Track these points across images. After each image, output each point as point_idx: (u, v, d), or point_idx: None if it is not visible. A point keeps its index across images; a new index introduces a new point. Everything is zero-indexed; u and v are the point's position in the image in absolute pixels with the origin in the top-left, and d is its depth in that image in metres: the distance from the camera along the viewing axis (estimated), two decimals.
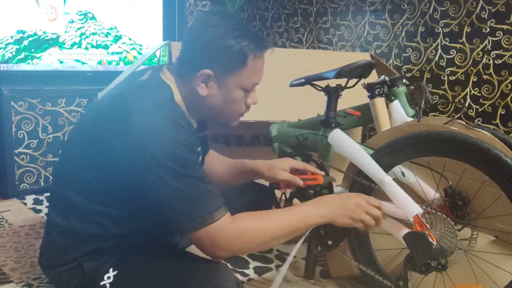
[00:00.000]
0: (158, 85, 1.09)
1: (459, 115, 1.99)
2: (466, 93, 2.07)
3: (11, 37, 2.11)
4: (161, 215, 0.99)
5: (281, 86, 1.61)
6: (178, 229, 1.01)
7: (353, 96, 1.42)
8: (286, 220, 1.05)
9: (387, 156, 1.21)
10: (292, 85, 1.46)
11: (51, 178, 2.14)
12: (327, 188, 1.31)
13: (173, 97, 1.08)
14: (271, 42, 1.14)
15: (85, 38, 2.34)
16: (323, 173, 1.26)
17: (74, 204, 1.08)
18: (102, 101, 1.13)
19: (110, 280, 1.07)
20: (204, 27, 1.06)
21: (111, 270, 1.08)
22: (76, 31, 2.31)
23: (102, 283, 1.07)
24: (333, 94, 1.37)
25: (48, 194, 2.06)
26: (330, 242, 1.18)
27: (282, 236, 1.04)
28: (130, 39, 2.51)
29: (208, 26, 1.05)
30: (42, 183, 2.17)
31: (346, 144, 1.24)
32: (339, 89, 1.37)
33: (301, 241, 1.10)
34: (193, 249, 1.40)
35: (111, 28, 2.43)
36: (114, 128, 1.00)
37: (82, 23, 2.32)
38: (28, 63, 2.18)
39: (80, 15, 2.31)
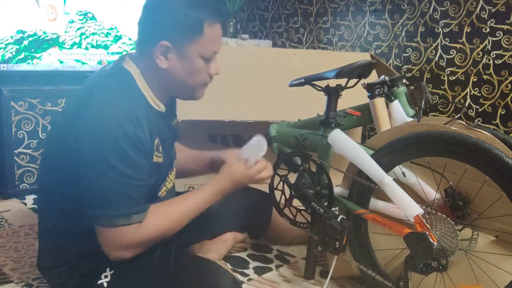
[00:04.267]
0: (118, 74, 1.08)
1: (459, 115, 1.98)
2: (466, 93, 2.07)
3: (11, 37, 2.11)
4: (84, 197, 0.99)
5: (281, 86, 1.61)
6: (92, 217, 1.00)
7: (353, 96, 1.41)
8: (188, 212, 1.11)
9: (387, 156, 1.21)
10: (291, 85, 1.46)
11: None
12: (327, 188, 1.31)
13: (134, 83, 1.07)
14: (227, 10, 1.15)
15: (85, 38, 2.34)
16: None
17: (58, 205, 1.09)
18: (74, 96, 1.14)
19: (108, 279, 1.07)
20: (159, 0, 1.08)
21: (108, 269, 1.09)
22: (76, 31, 2.31)
23: (99, 282, 1.07)
24: (333, 94, 1.37)
25: None
26: (337, 244, 1.18)
27: (182, 225, 1.11)
28: (130, 39, 2.50)
29: None
30: None
31: (346, 144, 1.24)
32: (339, 89, 1.36)
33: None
34: (193, 249, 1.40)
35: (111, 28, 2.43)
36: (70, 122, 1.02)
37: (82, 23, 2.32)
38: (28, 63, 2.18)
39: (80, 15, 2.31)
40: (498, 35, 1.94)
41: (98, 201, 0.99)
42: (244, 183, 1.22)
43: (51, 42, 2.23)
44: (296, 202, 1.40)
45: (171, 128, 1.23)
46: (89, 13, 2.34)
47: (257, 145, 1.24)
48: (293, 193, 1.38)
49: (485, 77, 2.00)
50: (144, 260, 1.09)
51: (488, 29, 1.97)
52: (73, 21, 2.29)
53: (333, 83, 1.36)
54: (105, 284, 1.07)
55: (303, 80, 1.41)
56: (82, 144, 0.97)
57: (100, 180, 0.97)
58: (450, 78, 2.12)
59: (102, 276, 1.08)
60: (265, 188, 1.51)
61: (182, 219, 1.10)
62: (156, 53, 1.06)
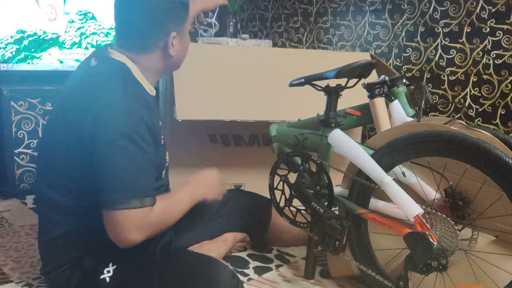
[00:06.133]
0: (115, 66, 1.12)
1: (459, 115, 1.98)
2: (466, 93, 2.07)
3: (11, 37, 2.11)
4: (99, 181, 1.01)
5: (281, 86, 1.61)
6: (106, 201, 1.02)
7: (353, 96, 1.41)
8: (182, 209, 1.16)
9: (387, 156, 1.21)
10: (291, 85, 1.46)
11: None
12: (327, 188, 1.31)
13: (131, 73, 1.13)
14: None
15: (85, 38, 2.34)
16: None
17: (58, 206, 1.10)
18: (66, 92, 1.16)
19: (110, 274, 1.08)
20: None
21: (110, 264, 1.10)
22: (76, 31, 2.31)
23: (102, 277, 1.08)
24: (333, 94, 1.37)
25: None
26: (337, 244, 1.18)
27: (177, 218, 1.15)
28: None
29: None
30: None
31: (346, 144, 1.24)
32: (339, 89, 1.36)
33: None
34: (193, 249, 1.40)
35: (111, 28, 2.43)
36: (84, 107, 1.04)
37: (82, 23, 2.32)
38: (28, 63, 2.18)
39: (80, 15, 2.31)
40: (498, 35, 1.94)
41: (114, 184, 1.01)
42: (211, 191, 1.27)
43: (51, 42, 2.23)
44: (296, 202, 1.40)
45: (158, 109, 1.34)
46: (89, 13, 2.34)
47: None
48: (293, 193, 1.39)
49: (485, 77, 2.00)
50: (145, 256, 1.10)
51: (488, 29, 1.97)
52: (73, 21, 2.29)
53: (333, 83, 1.36)
54: (108, 279, 1.08)
55: (303, 80, 1.41)
56: (101, 127, 1.00)
57: (118, 162, 1.01)
58: (450, 78, 2.12)
59: (105, 271, 1.09)
60: (265, 188, 1.51)
61: (180, 211, 1.16)
62: (169, 45, 1.13)
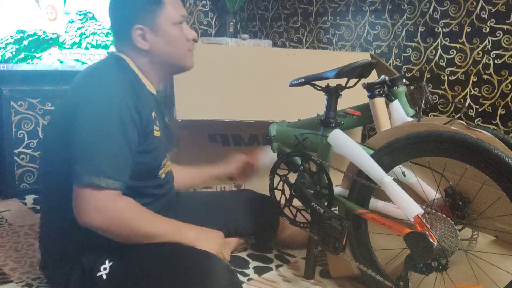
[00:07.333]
0: (113, 58, 1.16)
1: (459, 115, 1.99)
2: (466, 93, 2.07)
3: (11, 37, 2.11)
4: (72, 153, 1.02)
5: (281, 86, 1.61)
6: (72, 176, 1.02)
7: (353, 96, 1.41)
8: (154, 230, 1.09)
9: (387, 156, 1.21)
10: (291, 85, 1.46)
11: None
12: (327, 188, 1.31)
13: (128, 66, 1.15)
14: None
15: (85, 38, 2.34)
16: None
17: (61, 203, 1.10)
18: (68, 91, 1.19)
19: (106, 271, 1.08)
20: None
21: (107, 261, 1.10)
22: (76, 31, 2.30)
23: (98, 274, 1.08)
24: (333, 94, 1.37)
25: None
26: (337, 244, 1.18)
27: (138, 239, 1.08)
28: None
29: None
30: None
31: (346, 144, 1.25)
32: (339, 89, 1.36)
33: None
34: None
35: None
36: (71, 102, 1.08)
37: (82, 23, 2.32)
38: (28, 63, 2.18)
39: (80, 15, 2.31)
40: (498, 35, 1.94)
41: (84, 158, 1.02)
42: (205, 242, 1.15)
43: (51, 42, 2.23)
44: (296, 202, 1.40)
45: (163, 113, 1.31)
46: (89, 13, 2.34)
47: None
48: (293, 193, 1.38)
49: (485, 77, 2.00)
50: (141, 252, 1.10)
51: (488, 29, 1.97)
52: (73, 21, 2.29)
53: (333, 83, 1.36)
54: (104, 276, 1.08)
55: (303, 80, 1.41)
56: (81, 111, 1.03)
57: (91, 138, 1.02)
58: (450, 78, 2.12)
59: (101, 269, 1.09)
60: (265, 188, 1.51)
61: (150, 229, 1.09)
62: (135, 38, 1.14)
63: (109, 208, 1.02)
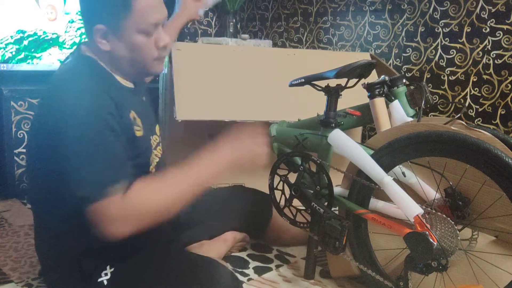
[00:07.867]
0: (80, 59, 1.12)
1: (459, 115, 1.98)
2: (466, 93, 2.07)
3: (11, 37, 2.11)
4: (68, 181, 0.97)
5: (281, 86, 1.61)
6: (83, 197, 0.96)
7: (353, 96, 1.41)
8: (182, 185, 1.02)
9: (387, 156, 1.21)
10: (291, 85, 1.46)
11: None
12: (327, 188, 1.31)
13: (97, 64, 1.11)
14: None
15: (85, 38, 2.34)
16: None
17: (53, 206, 1.08)
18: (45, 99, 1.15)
19: (108, 277, 1.07)
20: None
21: (108, 267, 1.09)
22: (76, 31, 2.30)
23: (99, 280, 1.07)
24: (333, 94, 1.37)
25: None
26: (337, 244, 1.18)
27: (180, 202, 1.02)
28: None
29: None
30: None
31: (346, 144, 1.24)
32: (339, 89, 1.36)
33: None
34: (192, 249, 1.40)
35: None
36: (47, 112, 1.04)
37: (82, 23, 2.32)
38: (28, 63, 2.18)
39: (80, 15, 2.31)
40: (498, 35, 1.94)
41: (77, 181, 0.97)
42: (245, 154, 1.14)
43: (51, 42, 2.23)
44: (296, 202, 1.40)
45: (144, 104, 1.25)
46: None
47: None
48: (293, 193, 1.38)
49: (485, 77, 2.00)
50: (143, 257, 1.09)
51: (488, 29, 1.97)
52: (73, 21, 2.29)
53: (333, 83, 1.36)
54: (105, 282, 1.07)
55: (303, 80, 1.41)
56: (65, 133, 0.98)
57: (76, 160, 0.97)
58: (450, 78, 2.12)
59: (103, 274, 1.08)
60: (265, 188, 1.51)
61: (178, 192, 1.02)
62: (95, 38, 1.08)
63: (129, 205, 0.97)
